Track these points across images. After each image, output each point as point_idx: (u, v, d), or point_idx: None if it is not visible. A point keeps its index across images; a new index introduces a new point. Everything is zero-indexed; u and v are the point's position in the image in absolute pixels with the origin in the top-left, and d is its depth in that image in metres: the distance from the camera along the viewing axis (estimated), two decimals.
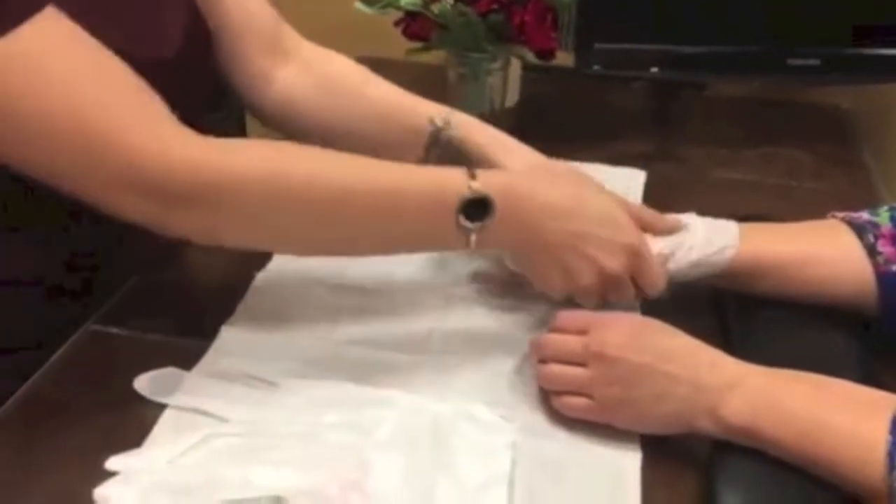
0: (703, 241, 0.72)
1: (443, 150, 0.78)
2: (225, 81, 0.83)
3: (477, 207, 0.65)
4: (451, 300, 0.78)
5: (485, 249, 0.70)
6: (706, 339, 0.65)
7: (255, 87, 0.82)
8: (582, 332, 0.66)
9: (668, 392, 0.62)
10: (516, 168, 0.77)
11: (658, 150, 1.08)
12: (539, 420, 0.66)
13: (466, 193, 0.65)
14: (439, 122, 0.79)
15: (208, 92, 0.82)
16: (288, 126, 0.84)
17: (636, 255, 0.70)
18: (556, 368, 0.66)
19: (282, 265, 0.81)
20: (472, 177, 0.66)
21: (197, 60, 0.75)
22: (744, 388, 0.60)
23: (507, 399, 0.68)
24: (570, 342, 0.66)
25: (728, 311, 0.75)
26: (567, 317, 0.69)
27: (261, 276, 0.80)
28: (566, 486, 0.61)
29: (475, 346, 0.73)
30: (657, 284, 0.71)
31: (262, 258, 0.82)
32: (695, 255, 0.72)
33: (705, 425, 0.61)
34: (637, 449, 0.64)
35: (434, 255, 0.81)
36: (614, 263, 0.69)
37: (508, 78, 1.10)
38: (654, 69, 1.05)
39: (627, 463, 0.63)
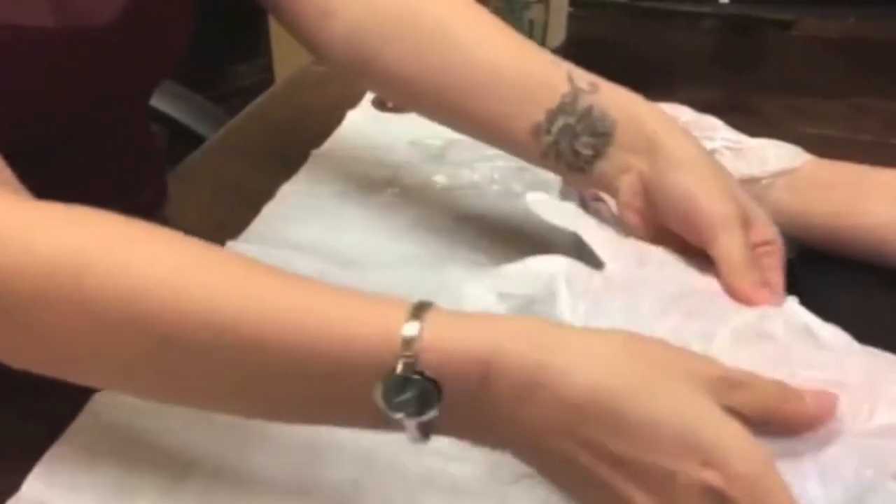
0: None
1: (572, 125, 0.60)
2: (272, 8, 0.68)
3: (416, 389, 0.40)
4: None
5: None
6: None
7: (308, 17, 0.66)
8: None
9: None
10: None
11: (725, 100, 0.95)
12: None
13: (388, 370, 0.40)
14: (583, 85, 0.61)
15: (167, 61, 0.67)
16: (357, 70, 0.68)
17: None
18: None
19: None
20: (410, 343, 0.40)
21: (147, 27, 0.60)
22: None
23: None
24: None
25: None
26: None
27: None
28: None
29: None
30: None
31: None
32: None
33: None
34: None
35: None
36: None
37: (551, 12, 0.97)
38: (725, 1, 0.92)
39: None
